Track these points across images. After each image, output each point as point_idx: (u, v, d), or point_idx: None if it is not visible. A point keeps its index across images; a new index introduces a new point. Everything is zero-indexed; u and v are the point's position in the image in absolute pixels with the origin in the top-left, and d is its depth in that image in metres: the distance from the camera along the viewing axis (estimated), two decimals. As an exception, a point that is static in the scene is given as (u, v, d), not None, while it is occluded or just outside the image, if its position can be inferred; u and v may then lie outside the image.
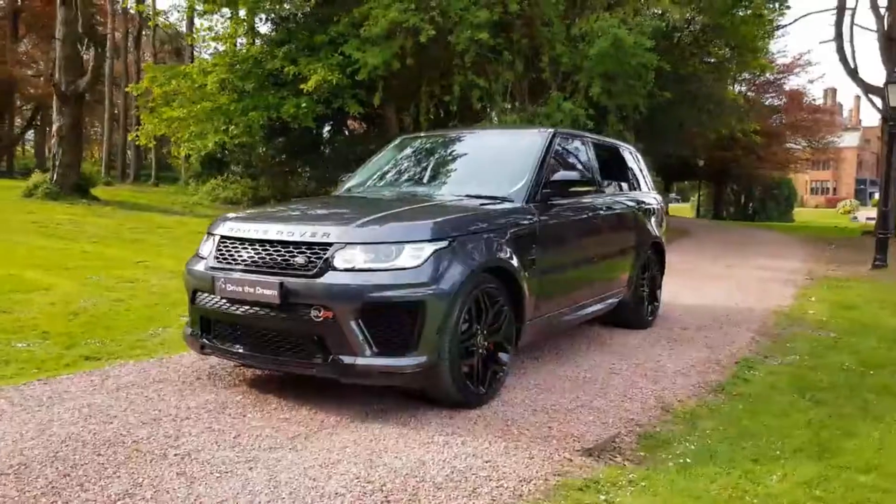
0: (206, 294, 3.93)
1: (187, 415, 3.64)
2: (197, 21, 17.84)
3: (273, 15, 18.91)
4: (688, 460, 3.36)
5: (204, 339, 4.01)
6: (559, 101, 14.30)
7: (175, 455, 3.12)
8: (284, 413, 3.72)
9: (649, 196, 6.57)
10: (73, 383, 4.14)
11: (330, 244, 3.62)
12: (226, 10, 17.67)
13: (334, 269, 3.55)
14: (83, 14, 14.81)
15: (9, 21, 31.35)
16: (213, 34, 17.05)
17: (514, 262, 4.14)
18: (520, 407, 3.97)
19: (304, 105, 15.40)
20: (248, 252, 3.82)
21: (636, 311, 6.11)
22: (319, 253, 3.62)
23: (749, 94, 39.48)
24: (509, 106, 15.28)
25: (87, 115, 31.79)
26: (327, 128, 19.95)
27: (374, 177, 5.38)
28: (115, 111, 31.80)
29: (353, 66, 14.53)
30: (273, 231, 3.80)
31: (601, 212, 5.32)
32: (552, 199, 4.68)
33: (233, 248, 3.91)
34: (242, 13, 17.90)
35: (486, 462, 3.16)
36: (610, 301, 5.66)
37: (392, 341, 3.55)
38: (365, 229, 3.69)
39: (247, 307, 3.72)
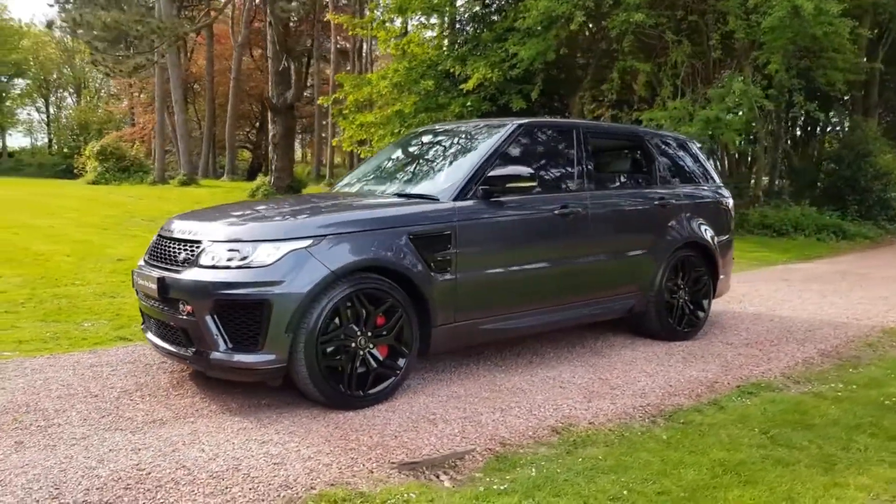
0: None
1: (98, 394, 4.06)
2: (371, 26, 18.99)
3: (463, 17, 19.50)
4: (504, 486, 2.98)
5: (143, 328, 4.45)
6: (732, 82, 12.84)
7: (36, 427, 3.54)
8: (179, 400, 3.99)
9: (687, 190, 5.68)
10: (66, 360, 4.79)
11: (201, 241, 3.81)
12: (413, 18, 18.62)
13: (199, 265, 3.74)
14: (276, 33, 16.63)
15: (264, 44, 36.23)
16: (398, 40, 18.02)
17: (414, 263, 3.95)
18: (399, 413, 3.80)
19: (469, 104, 15.69)
20: (160, 248, 4.16)
21: (661, 321, 5.34)
22: (194, 250, 3.83)
23: None
24: (677, 90, 14.03)
25: (322, 120, 35.52)
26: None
27: (362, 173, 5.42)
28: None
29: (512, 62, 14.46)
30: (177, 229, 4.10)
31: (578, 208, 4.74)
32: (496, 196, 4.36)
33: (157, 244, 4.27)
34: (434, 19, 18.77)
35: (275, 465, 3.12)
36: (606, 307, 5.04)
37: (244, 338, 3.63)
38: (228, 228, 3.83)
39: (150, 299, 4.06)
